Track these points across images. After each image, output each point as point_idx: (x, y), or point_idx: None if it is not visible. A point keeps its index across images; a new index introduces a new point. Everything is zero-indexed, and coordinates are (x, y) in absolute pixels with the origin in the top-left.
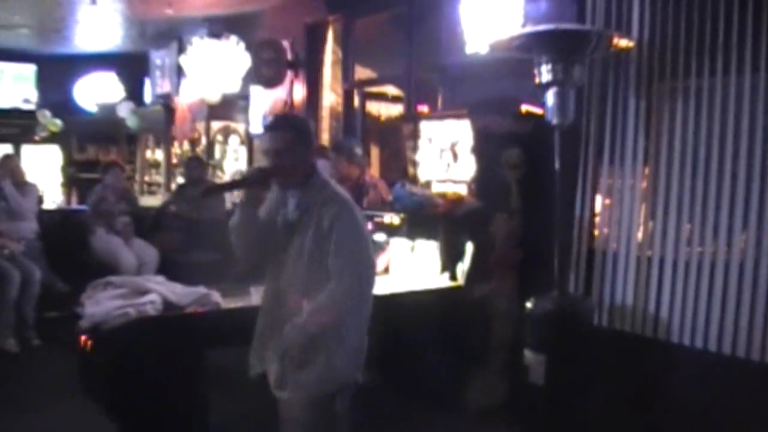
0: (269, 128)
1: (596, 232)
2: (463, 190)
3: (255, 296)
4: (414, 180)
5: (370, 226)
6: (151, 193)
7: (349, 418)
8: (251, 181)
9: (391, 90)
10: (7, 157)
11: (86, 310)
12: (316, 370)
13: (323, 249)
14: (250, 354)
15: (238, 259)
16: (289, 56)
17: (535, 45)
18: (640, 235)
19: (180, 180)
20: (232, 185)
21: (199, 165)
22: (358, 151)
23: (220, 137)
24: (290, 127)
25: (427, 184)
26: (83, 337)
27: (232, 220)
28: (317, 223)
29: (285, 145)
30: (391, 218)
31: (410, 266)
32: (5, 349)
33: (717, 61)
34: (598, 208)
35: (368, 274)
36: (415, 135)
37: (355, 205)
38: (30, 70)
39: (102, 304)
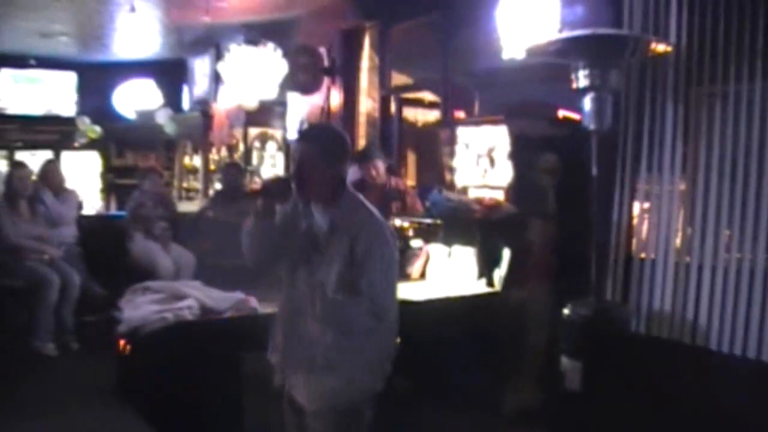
0: (298, 137)
1: (633, 238)
2: (500, 196)
3: None
4: (451, 186)
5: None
6: (189, 198)
7: (373, 425)
8: (270, 190)
9: (427, 96)
10: (48, 162)
11: (124, 314)
12: (336, 383)
13: (354, 270)
14: (276, 363)
15: (249, 264)
16: (326, 62)
17: (572, 50)
18: (678, 241)
19: (217, 186)
20: (253, 194)
21: (236, 171)
22: (383, 158)
23: (257, 143)
24: (316, 140)
25: (464, 190)
26: (122, 342)
27: (245, 227)
28: (351, 244)
29: (307, 156)
30: (427, 224)
31: (447, 272)
32: (44, 353)
33: (756, 65)
34: (635, 213)
35: (394, 297)
36: (451, 141)
37: (389, 226)
38: (69, 77)
39: (140, 308)
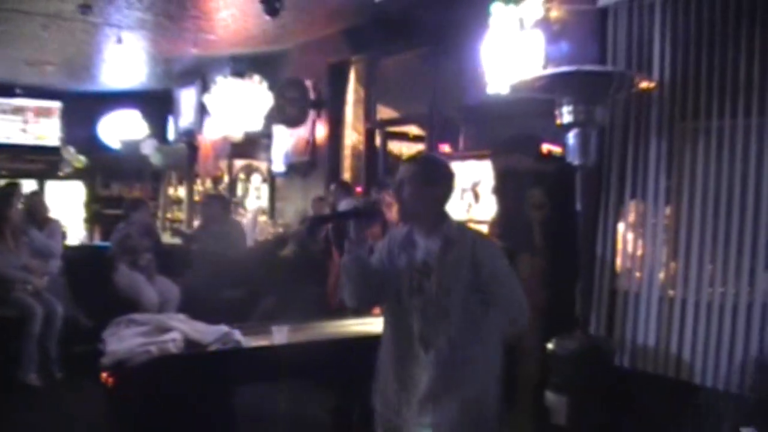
0: (405, 161)
1: (618, 273)
2: (484, 231)
3: (277, 335)
4: None
5: None
6: (174, 228)
7: None
8: (361, 212)
9: (412, 129)
10: (33, 193)
11: (108, 347)
12: (476, 395)
13: (484, 281)
14: (383, 405)
15: (349, 299)
16: (312, 95)
17: (557, 86)
18: (662, 275)
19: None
20: (339, 216)
21: (217, 203)
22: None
23: (242, 175)
24: (419, 163)
25: None
26: (105, 374)
27: (343, 259)
28: (472, 258)
29: (407, 176)
30: None
31: None
32: (28, 384)
33: (738, 102)
34: (619, 247)
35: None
36: None
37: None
38: (55, 107)
39: (124, 341)
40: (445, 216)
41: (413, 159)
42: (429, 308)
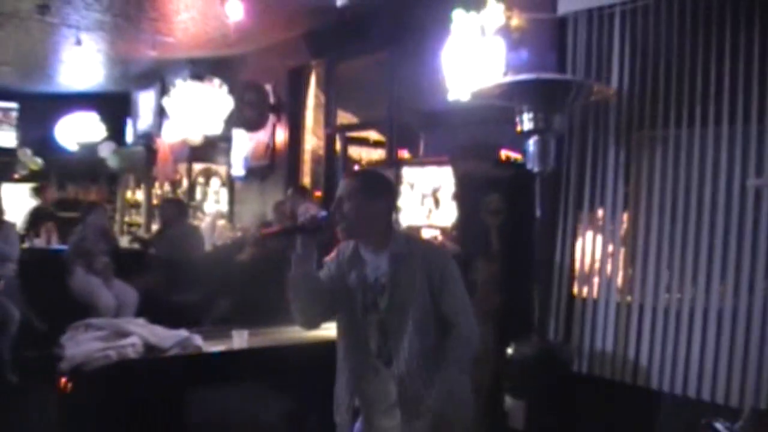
0: (344, 176)
1: (576, 278)
2: (439, 237)
3: (237, 339)
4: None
5: None
6: (132, 233)
7: None
8: (307, 227)
9: (372, 135)
10: None
11: (66, 351)
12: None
13: (436, 297)
14: (342, 417)
15: (298, 316)
16: (272, 99)
17: (516, 94)
18: (620, 281)
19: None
20: (287, 231)
21: (175, 207)
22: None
23: (201, 179)
24: (359, 178)
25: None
26: (63, 379)
27: (290, 274)
28: (427, 273)
29: (348, 192)
30: None
31: None
32: None
33: (695, 112)
34: (578, 254)
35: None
36: (396, 180)
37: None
38: (12, 107)
39: (82, 345)
40: (390, 230)
41: (353, 174)
42: (387, 324)
